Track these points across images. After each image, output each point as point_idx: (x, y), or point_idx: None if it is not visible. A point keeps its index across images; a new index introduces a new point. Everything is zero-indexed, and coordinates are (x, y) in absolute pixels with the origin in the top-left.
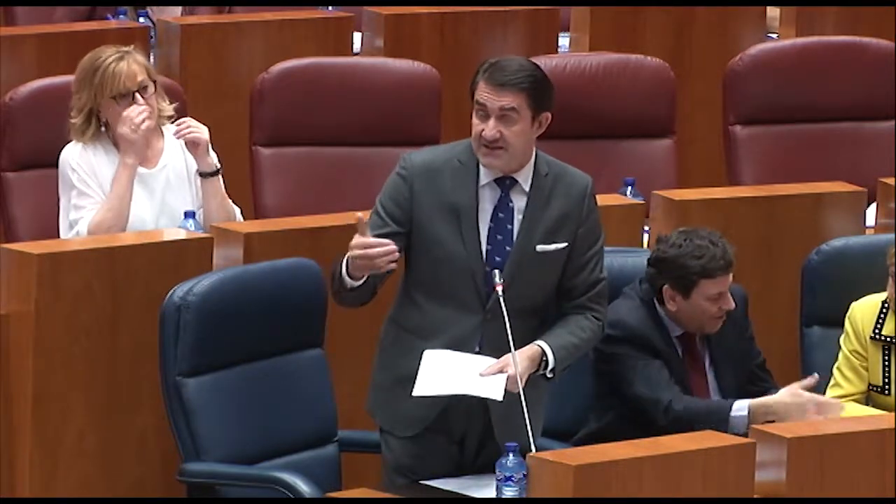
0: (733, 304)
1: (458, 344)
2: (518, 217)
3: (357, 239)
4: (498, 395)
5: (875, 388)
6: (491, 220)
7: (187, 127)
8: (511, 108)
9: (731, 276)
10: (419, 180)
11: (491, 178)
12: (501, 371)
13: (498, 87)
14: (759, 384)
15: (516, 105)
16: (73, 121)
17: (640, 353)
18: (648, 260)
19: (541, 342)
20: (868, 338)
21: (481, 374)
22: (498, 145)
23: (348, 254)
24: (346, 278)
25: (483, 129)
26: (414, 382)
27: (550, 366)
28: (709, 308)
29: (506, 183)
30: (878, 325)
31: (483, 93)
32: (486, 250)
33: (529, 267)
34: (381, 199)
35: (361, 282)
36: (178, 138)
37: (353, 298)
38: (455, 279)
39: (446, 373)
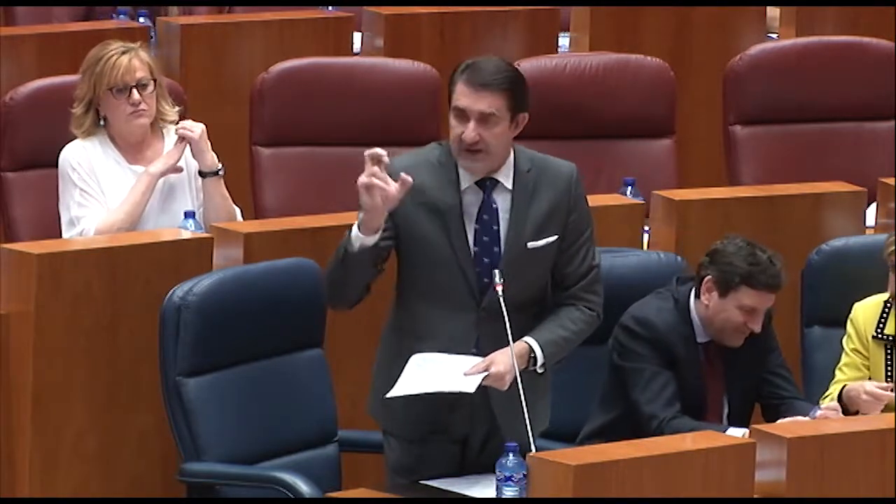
0: (759, 328)
1: (456, 343)
2: (504, 217)
3: (367, 172)
4: (470, 389)
5: None
6: (476, 222)
7: (181, 127)
8: (491, 111)
9: (772, 298)
10: None
11: (472, 182)
12: (486, 370)
13: (478, 87)
14: (773, 391)
15: (496, 107)
16: (73, 111)
17: (657, 357)
18: (707, 251)
19: (528, 338)
20: (870, 337)
21: (465, 374)
22: (478, 148)
23: (362, 184)
24: (360, 237)
25: (462, 133)
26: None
27: (539, 361)
28: (736, 318)
29: (486, 184)
30: (881, 325)
31: (462, 96)
32: (475, 252)
33: (522, 264)
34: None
35: (376, 238)
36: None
37: (360, 271)
38: (447, 278)
39: (425, 373)
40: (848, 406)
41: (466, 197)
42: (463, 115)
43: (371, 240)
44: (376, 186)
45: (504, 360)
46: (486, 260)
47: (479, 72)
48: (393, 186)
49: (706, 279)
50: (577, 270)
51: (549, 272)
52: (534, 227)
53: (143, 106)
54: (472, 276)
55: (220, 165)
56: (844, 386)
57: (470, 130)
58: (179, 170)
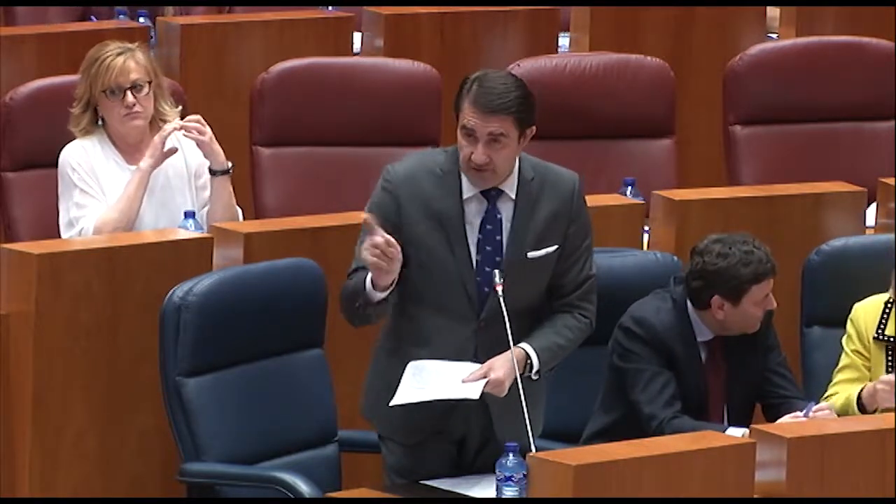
0: (775, 303)
1: (454, 353)
2: (506, 226)
3: (371, 242)
4: (475, 395)
5: None
6: (479, 232)
7: (193, 122)
8: (500, 134)
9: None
10: (404, 191)
11: (476, 191)
12: (484, 376)
13: (486, 112)
14: (773, 389)
15: (504, 130)
16: (72, 110)
17: (656, 357)
18: (692, 273)
19: (524, 344)
20: (871, 338)
21: (464, 381)
22: (486, 168)
23: (366, 259)
24: (373, 292)
25: (472, 153)
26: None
27: (535, 368)
28: (755, 312)
29: (491, 194)
30: (882, 326)
31: (470, 117)
32: (476, 261)
33: (521, 273)
34: (368, 212)
35: (389, 291)
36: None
37: (378, 312)
38: (446, 288)
39: (425, 381)
40: (867, 406)
41: (469, 206)
42: (472, 134)
43: (384, 294)
44: (380, 259)
45: (503, 366)
46: (487, 269)
47: (486, 94)
48: (396, 249)
49: (713, 298)
50: (574, 280)
51: (547, 281)
52: (534, 237)
53: (136, 108)
54: (471, 287)
55: (230, 164)
56: (863, 388)
57: (479, 153)
58: (174, 151)
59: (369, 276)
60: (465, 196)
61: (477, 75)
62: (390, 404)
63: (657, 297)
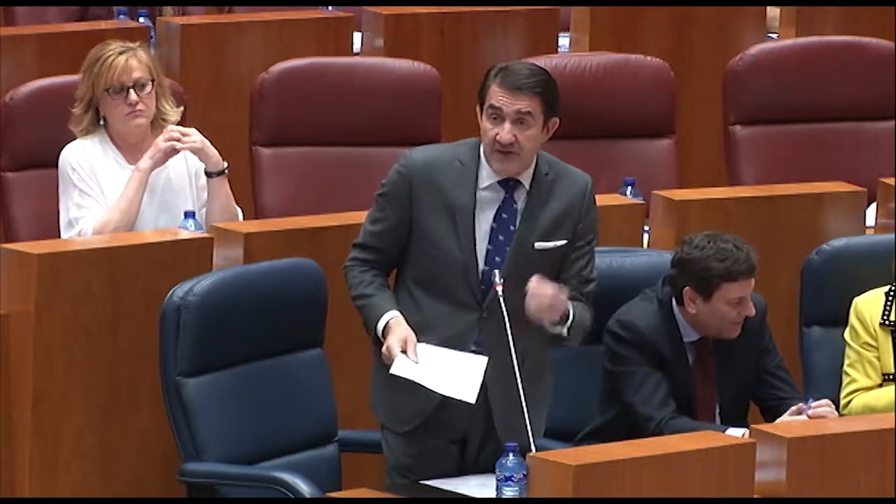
0: (753, 311)
1: (455, 341)
2: (519, 217)
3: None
4: (471, 398)
5: (889, 377)
6: (493, 221)
7: (180, 140)
8: (527, 112)
9: (752, 281)
10: (419, 178)
11: (494, 181)
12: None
13: (514, 90)
14: (771, 392)
15: (532, 109)
16: (73, 110)
17: (645, 359)
18: (672, 261)
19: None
20: (877, 326)
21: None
22: (512, 150)
23: (386, 345)
24: (377, 336)
25: (497, 134)
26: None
27: (569, 321)
28: (728, 312)
29: (509, 184)
30: (886, 312)
31: (498, 96)
32: (487, 250)
33: (528, 264)
34: (380, 193)
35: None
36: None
37: None
38: (451, 277)
39: (428, 364)
40: None
41: (485, 194)
42: (499, 114)
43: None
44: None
45: (553, 286)
46: (497, 259)
47: (514, 74)
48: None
49: (685, 290)
50: (576, 279)
51: (553, 278)
52: (544, 229)
53: (140, 106)
54: (474, 278)
55: (225, 164)
56: None
57: (506, 132)
58: (175, 151)
59: (384, 323)
60: (480, 186)
61: (502, 65)
62: (390, 371)
63: (644, 298)
